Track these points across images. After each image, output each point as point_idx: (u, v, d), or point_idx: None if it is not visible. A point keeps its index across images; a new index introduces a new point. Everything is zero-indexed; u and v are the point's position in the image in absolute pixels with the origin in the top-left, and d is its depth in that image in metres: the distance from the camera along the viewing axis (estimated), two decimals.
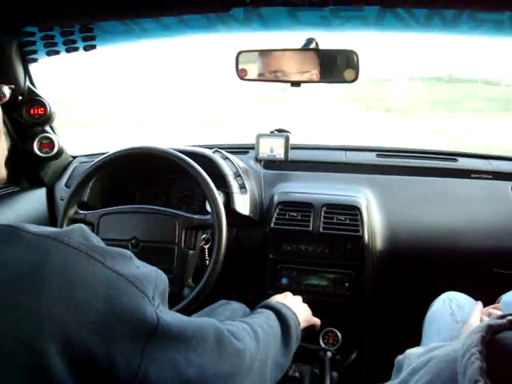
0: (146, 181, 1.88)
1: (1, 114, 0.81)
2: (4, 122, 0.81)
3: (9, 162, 0.83)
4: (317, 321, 1.46)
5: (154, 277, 0.78)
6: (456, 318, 1.30)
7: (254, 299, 1.33)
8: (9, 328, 0.60)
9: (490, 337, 0.62)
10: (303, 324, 1.34)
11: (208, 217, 1.44)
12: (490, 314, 1.17)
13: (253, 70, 1.49)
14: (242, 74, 1.50)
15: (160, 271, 0.81)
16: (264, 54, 1.48)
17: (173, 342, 0.77)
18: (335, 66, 1.43)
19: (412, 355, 0.88)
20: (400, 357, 0.95)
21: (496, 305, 1.26)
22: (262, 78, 1.50)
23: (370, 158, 2.02)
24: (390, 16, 1.39)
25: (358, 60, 1.39)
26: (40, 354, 0.60)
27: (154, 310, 0.73)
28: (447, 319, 1.32)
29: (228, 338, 0.92)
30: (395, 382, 0.77)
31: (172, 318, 0.77)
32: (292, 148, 1.93)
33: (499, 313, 1.16)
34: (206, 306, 1.44)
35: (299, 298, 1.44)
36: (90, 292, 0.66)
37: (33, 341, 0.60)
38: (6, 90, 0.84)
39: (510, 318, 0.64)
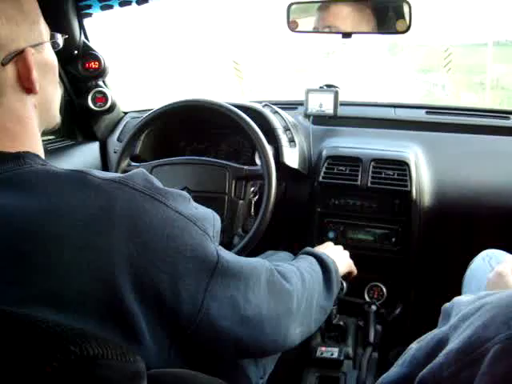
0: (196, 135, 1.90)
1: (56, 60, 0.84)
2: (60, 75, 0.84)
3: (64, 116, 0.87)
4: (354, 269, 1.47)
5: (211, 217, 0.81)
6: None
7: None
8: (86, 267, 0.63)
9: None
10: (343, 269, 1.36)
11: (258, 167, 1.46)
12: None
13: (304, 21, 1.49)
14: (292, 26, 1.50)
15: (215, 213, 0.84)
16: (315, 5, 1.48)
17: (232, 279, 0.80)
18: (387, 17, 1.41)
19: (461, 302, 0.87)
20: (448, 304, 0.95)
21: None
22: (313, 29, 1.50)
23: (420, 114, 1.99)
24: None
25: (410, 10, 1.37)
26: (115, 290, 0.64)
27: (215, 248, 0.77)
28: (487, 276, 1.31)
29: (278, 278, 0.95)
30: (444, 328, 0.77)
31: (230, 256, 0.81)
32: (341, 104, 1.91)
33: None
34: (253, 257, 1.47)
35: (340, 247, 1.47)
36: (155, 232, 0.69)
37: (108, 278, 0.64)
38: (60, 39, 0.87)
39: None
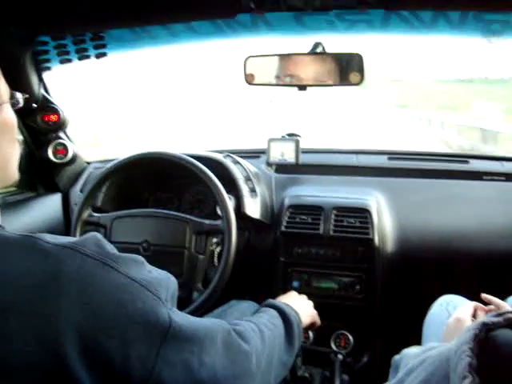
0: (159, 185, 1.90)
1: (15, 119, 0.84)
2: (19, 128, 0.84)
3: (24, 168, 0.86)
4: (318, 319, 1.45)
5: (165, 280, 0.79)
6: None
7: None
8: (31, 334, 0.62)
9: (484, 335, 0.62)
10: (306, 320, 1.35)
11: (218, 222, 1.45)
12: (489, 311, 1.17)
13: (260, 74, 1.51)
14: (249, 79, 1.51)
15: (170, 275, 0.83)
16: (271, 59, 1.50)
17: (186, 343, 0.78)
18: (342, 69, 1.44)
19: (409, 355, 0.88)
20: (397, 357, 0.95)
21: (502, 302, 1.25)
22: (269, 82, 1.52)
23: (381, 161, 2.02)
24: (395, 18, 1.39)
25: (362, 63, 1.40)
26: (61, 358, 0.62)
27: (167, 312, 0.75)
28: (445, 322, 1.30)
29: (235, 339, 0.93)
30: (392, 382, 0.78)
31: (183, 319, 0.79)
32: (303, 152, 1.93)
33: (505, 308, 1.17)
34: (217, 308, 1.45)
35: (304, 297, 1.45)
36: (105, 298, 0.68)
37: (54, 346, 0.62)
38: (20, 98, 0.86)
39: (507, 315, 0.64)
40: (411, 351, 0.90)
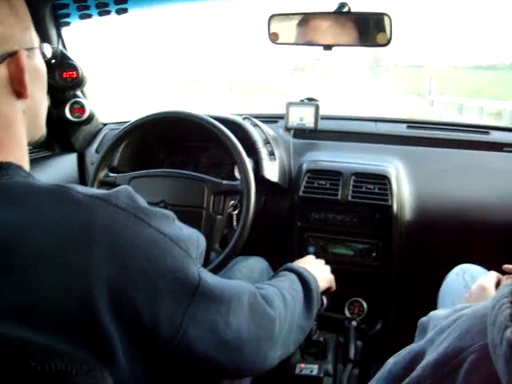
0: (175, 147, 1.89)
1: (46, 70, 0.83)
2: None
3: None
4: (334, 284, 1.46)
5: (195, 238, 0.79)
6: (469, 289, 1.30)
7: (280, 266, 1.34)
8: (62, 284, 0.61)
9: None
10: (324, 285, 1.35)
11: (237, 182, 1.44)
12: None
13: (284, 34, 1.48)
14: (273, 38, 1.48)
15: (200, 233, 0.82)
16: (296, 17, 1.47)
17: (213, 302, 0.78)
18: (368, 30, 1.41)
19: (438, 316, 0.87)
20: (424, 318, 0.95)
21: None
22: (293, 41, 1.49)
23: (400, 129, 1.99)
24: None
25: (391, 23, 1.37)
26: (91, 309, 0.61)
27: (197, 270, 0.74)
28: (461, 290, 1.31)
29: (261, 303, 0.93)
30: (421, 342, 0.77)
31: (212, 278, 0.79)
32: (321, 118, 1.92)
33: None
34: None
35: (321, 261, 1.45)
36: (135, 251, 0.67)
37: (84, 297, 0.61)
38: (48, 50, 0.85)
39: None
40: (439, 313, 0.89)
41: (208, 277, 0.77)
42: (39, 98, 0.82)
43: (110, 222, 0.66)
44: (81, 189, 0.68)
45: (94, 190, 0.70)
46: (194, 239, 0.78)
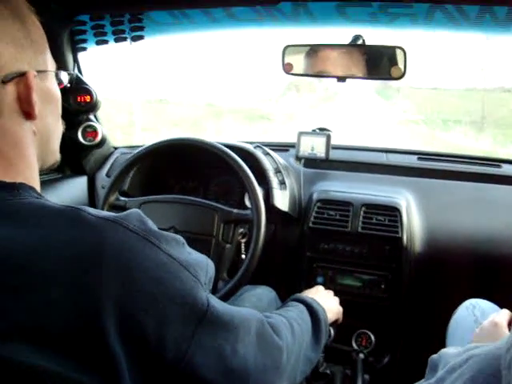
0: (186, 173, 1.89)
1: (59, 93, 0.83)
2: None
3: None
4: (341, 316, 1.45)
5: (204, 264, 0.78)
6: (480, 324, 1.28)
7: (288, 297, 1.33)
8: (71, 305, 0.61)
9: None
10: (332, 317, 1.34)
11: (247, 211, 1.44)
12: None
13: (299, 64, 1.49)
14: (287, 68, 1.49)
15: (209, 259, 0.82)
16: (310, 48, 1.48)
17: (221, 329, 0.77)
18: (382, 63, 1.42)
19: (448, 354, 0.86)
20: (435, 356, 0.94)
21: None
22: (307, 72, 1.50)
23: (411, 160, 1.99)
24: (439, 13, 1.37)
25: (405, 56, 1.38)
26: (99, 330, 0.61)
27: (206, 296, 0.74)
28: (471, 326, 1.29)
29: (269, 332, 0.92)
30: (431, 381, 0.76)
31: (220, 305, 0.78)
32: (332, 148, 1.92)
33: None
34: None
35: (330, 293, 1.44)
36: (145, 274, 0.66)
37: (93, 318, 0.61)
38: (65, 77, 0.86)
39: None
40: (450, 351, 0.88)
41: (217, 303, 0.77)
42: (51, 122, 0.82)
43: (121, 244, 0.66)
44: (92, 211, 0.68)
45: (105, 213, 0.70)
46: (203, 264, 0.77)
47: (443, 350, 0.91)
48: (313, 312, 1.18)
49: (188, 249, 0.77)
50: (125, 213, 0.71)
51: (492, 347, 0.68)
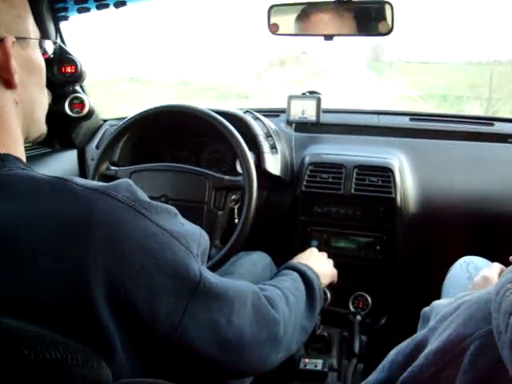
0: (176, 142, 1.87)
1: (44, 64, 0.82)
2: None
3: None
4: (336, 278, 1.47)
5: (197, 235, 0.78)
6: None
7: (283, 261, 1.33)
8: (60, 277, 0.60)
9: None
10: (327, 281, 1.36)
11: (239, 178, 1.43)
12: None
13: (285, 24, 1.46)
14: (273, 29, 1.46)
15: (203, 230, 0.81)
16: (295, 8, 1.45)
17: (215, 301, 0.77)
18: (370, 19, 1.39)
19: (440, 305, 0.87)
20: (426, 308, 0.95)
21: None
22: (293, 32, 1.47)
23: (403, 121, 1.98)
24: None
25: (392, 11, 1.35)
26: (88, 302, 0.61)
27: (198, 267, 0.73)
28: (465, 282, 1.30)
29: (265, 305, 0.92)
30: (423, 331, 0.77)
31: (214, 277, 0.78)
32: (323, 111, 1.90)
33: None
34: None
35: (324, 255, 1.45)
36: (134, 245, 0.66)
37: (82, 289, 0.61)
38: (49, 46, 0.84)
39: None
40: (441, 302, 0.89)
41: (210, 275, 0.76)
42: (35, 92, 0.80)
43: (109, 215, 0.65)
44: (80, 181, 0.67)
45: (94, 183, 0.69)
46: (196, 235, 0.77)
47: (435, 302, 0.92)
48: (307, 280, 1.18)
49: (181, 219, 0.76)
50: (114, 183, 0.70)
51: (483, 292, 0.69)
